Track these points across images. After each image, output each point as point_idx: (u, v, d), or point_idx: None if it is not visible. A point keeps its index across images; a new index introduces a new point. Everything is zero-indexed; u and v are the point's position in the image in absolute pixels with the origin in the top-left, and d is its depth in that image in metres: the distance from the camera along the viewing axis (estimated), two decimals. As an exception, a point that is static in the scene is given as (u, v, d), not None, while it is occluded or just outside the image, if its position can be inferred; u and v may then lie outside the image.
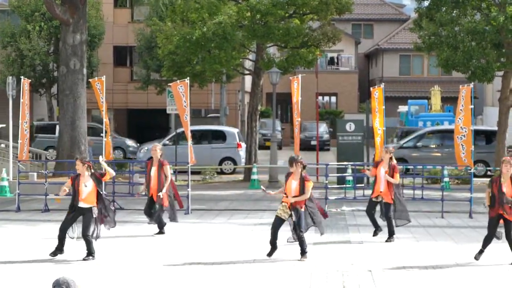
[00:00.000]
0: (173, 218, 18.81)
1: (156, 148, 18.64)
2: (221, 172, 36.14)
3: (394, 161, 17.97)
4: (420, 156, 35.40)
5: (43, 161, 30.69)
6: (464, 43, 29.69)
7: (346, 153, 30.03)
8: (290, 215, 15.27)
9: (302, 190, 15.17)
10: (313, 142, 48.85)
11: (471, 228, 19.91)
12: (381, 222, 18.13)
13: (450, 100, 57.30)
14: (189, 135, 23.31)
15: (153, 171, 18.47)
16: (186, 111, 23.02)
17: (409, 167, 30.89)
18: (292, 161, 15.35)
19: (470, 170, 22.92)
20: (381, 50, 67.65)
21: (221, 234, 18.99)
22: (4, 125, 33.73)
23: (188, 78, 24.63)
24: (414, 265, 14.93)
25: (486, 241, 15.24)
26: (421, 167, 28.23)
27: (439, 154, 35.49)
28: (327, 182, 23.65)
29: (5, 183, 27.58)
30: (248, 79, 50.10)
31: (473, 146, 22.20)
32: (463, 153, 22.18)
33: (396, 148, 36.29)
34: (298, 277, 13.76)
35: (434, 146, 36.62)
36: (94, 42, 42.55)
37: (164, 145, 37.43)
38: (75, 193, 15.35)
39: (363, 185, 28.31)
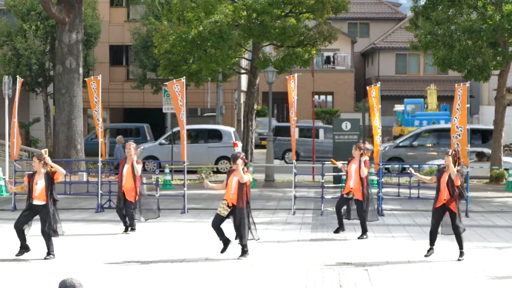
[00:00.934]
0: (149, 216, 19.06)
1: (130, 147, 18.81)
2: (217, 171, 36.13)
3: (366, 158, 18.23)
4: (416, 155, 35.42)
5: (39, 160, 30.57)
6: (460, 42, 29.71)
7: (342, 152, 30.02)
8: (230, 213, 15.41)
9: (241, 185, 15.30)
10: (309, 141, 48.84)
11: (467, 227, 19.88)
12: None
13: (446, 99, 57.42)
14: (184, 134, 23.26)
15: (126, 169, 18.65)
16: (182, 110, 23.00)
17: (405, 166, 30.90)
18: (235, 158, 15.50)
19: (466, 169, 22.93)
20: (377, 49, 67.70)
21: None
22: None
23: (184, 77, 24.61)
24: (410, 263, 14.95)
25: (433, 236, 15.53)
26: (417, 166, 28.25)
27: (435, 153, 35.51)
28: (323, 181, 23.64)
29: (1, 183, 27.57)
30: (244, 78, 50.11)
31: (469, 145, 22.20)
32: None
33: (392, 147, 36.39)
34: (294, 275, 13.77)
35: (430, 145, 36.62)
36: (90, 41, 42.51)
37: (161, 144, 37.52)
38: (29, 191, 15.51)
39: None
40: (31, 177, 15.62)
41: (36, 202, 15.48)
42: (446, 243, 16.46)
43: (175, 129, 35.19)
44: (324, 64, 67.94)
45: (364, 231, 18.12)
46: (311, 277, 13.65)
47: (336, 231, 18.48)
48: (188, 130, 26.79)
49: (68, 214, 22.57)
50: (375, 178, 26.59)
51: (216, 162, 37.11)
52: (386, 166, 31.21)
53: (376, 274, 13.91)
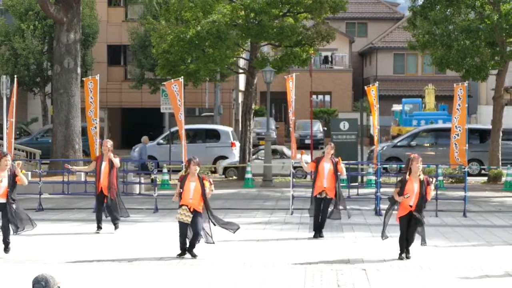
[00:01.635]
0: (121, 215, 19.04)
1: (106, 144, 18.87)
2: (215, 171, 36.13)
3: (339, 161, 18.31)
4: (414, 155, 35.37)
5: (37, 160, 30.67)
6: (458, 42, 29.72)
7: (340, 152, 29.93)
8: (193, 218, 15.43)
9: (203, 191, 15.48)
10: (307, 141, 48.85)
11: (465, 226, 19.94)
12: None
13: (444, 99, 57.43)
14: (183, 134, 23.23)
15: (103, 166, 18.75)
16: (180, 110, 22.97)
17: (403, 166, 30.91)
18: (190, 162, 15.52)
19: (464, 169, 22.96)
20: (375, 49, 67.69)
21: (214, 234, 18.93)
22: None
23: (182, 77, 24.59)
24: (408, 263, 14.95)
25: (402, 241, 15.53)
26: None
27: (433, 153, 35.51)
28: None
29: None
30: (242, 78, 50.10)
31: (467, 145, 22.20)
32: (457, 152, 22.20)
33: (390, 146, 36.42)
34: (292, 275, 13.76)
35: (428, 145, 36.62)
36: (88, 41, 42.52)
37: (158, 144, 37.49)
38: None
39: (357, 184, 28.36)
40: None
41: None
42: (443, 242, 16.46)
43: (173, 129, 35.18)
44: (322, 63, 67.95)
45: (321, 228, 18.07)
46: (309, 276, 13.64)
47: (315, 236, 18.15)
48: (186, 130, 26.73)
49: (66, 214, 22.57)
50: (373, 178, 26.61)
51: (214, 162, 37.10)
52: (384, 166, 31.24)
53: (374, 274, 13.91)
